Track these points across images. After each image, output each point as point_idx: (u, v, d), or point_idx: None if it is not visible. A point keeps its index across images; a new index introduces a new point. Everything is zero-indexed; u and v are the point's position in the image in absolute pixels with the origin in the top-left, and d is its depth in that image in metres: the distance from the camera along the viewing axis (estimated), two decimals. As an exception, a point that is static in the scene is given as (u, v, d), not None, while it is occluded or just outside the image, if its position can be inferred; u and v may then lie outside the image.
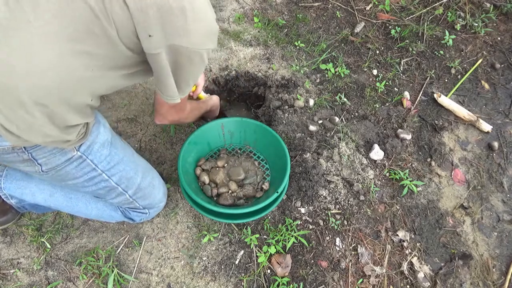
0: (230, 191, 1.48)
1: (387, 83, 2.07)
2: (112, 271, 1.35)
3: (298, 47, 2.11)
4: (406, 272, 1.50)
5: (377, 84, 2.04)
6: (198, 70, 1.01)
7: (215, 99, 1.60)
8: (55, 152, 1.01)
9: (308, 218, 1.54)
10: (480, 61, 2.25)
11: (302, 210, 1.55)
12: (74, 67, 0.85)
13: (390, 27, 2.28)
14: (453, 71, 2.19)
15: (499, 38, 2.37)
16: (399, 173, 1.71)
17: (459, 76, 2.19)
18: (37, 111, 0.86)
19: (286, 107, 1.84)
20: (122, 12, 0.81)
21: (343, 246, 1.51)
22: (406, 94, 2.03)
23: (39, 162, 1.01)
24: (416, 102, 2.03)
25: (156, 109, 1.23)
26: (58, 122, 0.92)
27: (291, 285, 1.39)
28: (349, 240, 1.53)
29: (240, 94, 1.99)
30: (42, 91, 0.84)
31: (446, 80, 2.16)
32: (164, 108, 1.18)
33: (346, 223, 1.56)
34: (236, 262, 1.43)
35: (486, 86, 2.19)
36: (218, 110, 1.66)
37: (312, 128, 1.77)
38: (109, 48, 0.86)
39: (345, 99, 1.94)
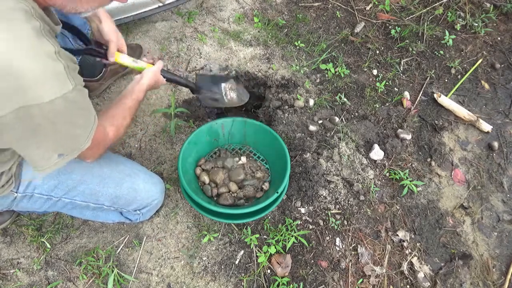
0: (230, 191, 1.48)
1: (387, 83, 2.07)
2: (112, 271, 1.35)
3: (298, 47, 2.11)
4: (406, 272, 1.50)
5: (377, 84, 2.04)
6: (67, 120, 0.83)
7: (150, 73, 1.31)
8: None
9: (308, 218, 1.54)
10: (480, 61, 2.25)
11: (302, 210, 1.55)
12: None
13: (390, 27, 2.28)
14: (453, 71, 2.19)
15: (499, 38, 2.37)
16: (399, 173, 1.71)
17: (459, 76, 2.19)
18: None
19: (286, 107, 1.84)
20: None
21: (343, 246, 1.51)
22: (406, 94, 2.03)
23: None
24: (416, 102, 2.03)
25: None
26: None
27: (291, 285, 1.39)
28: (349, 240, 1.53)
29: (240, 94, 1.99)
30: None
31: (446, 80, 2.16)
32: (86, 157, 1.04)
33: (346, 223, 1.56)
34: (236, 262, 1.43)
35: (486, 86, 2.19)
36: (160, 79, 1.38)
37: (312, 128, 1.77)
38: None
39: (345, 99, 1.94)
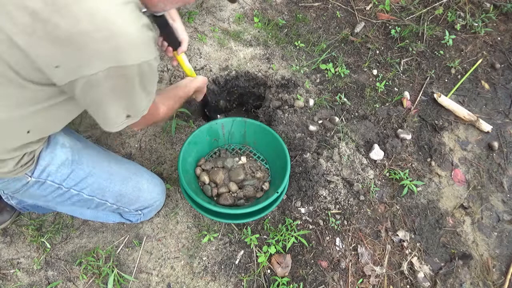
0: (230, 191, 1.48)
1: (387, 83, 2.07)
2: (112, 271, 1.35)
3: (298, 47, 2.11)
4: (406, 272, 1.50)
5: (377, 84, 2.04)
6: (142, 85, 0.91)
7: (200, 79, 1.49)
8: (8, 181, 1.01)
9: (308, 218, 1.54)
10: (480, 61, 2.25)
11: (302, 210, 1.55)
12: None
13: (390, 27, 2.28)
14: (453, 71, 2.19)
15: (499, 38, 2.37)
16: (399, 173, 1.71)
17: (459, 76, 2.19)
18: None
19: (286, 107, 1.84)
20: (11, 50, 0.76)
21: (343, 246, 1.51)
22: (406, 94, 2.03)
23: None
24: (416, 102, 2.03)
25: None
26: None
27: (291, 285, 1.39)
28: (349, 240, 1.53)
29: (240, 94, 1.99)
30: None
31: (446, 80, 2.16)
32: (136, 123, 1.09)
33: (346, 223, 1.56)
34: (236, 262, 1.43)
35: (486, 86, 2.19)
36: (205, 90, 1.55)
37: (312, 128, 1.77)
38: (20, 93, 0.83)
39: (345, 99, 1.94)
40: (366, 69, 2.10)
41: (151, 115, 1.09)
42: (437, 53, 2.23)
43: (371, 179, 1.69)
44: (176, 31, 1.32)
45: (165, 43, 1.34)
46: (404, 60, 2.18)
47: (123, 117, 0.95)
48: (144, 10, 0.92)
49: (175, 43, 1.34)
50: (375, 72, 2.10)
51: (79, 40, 0.75)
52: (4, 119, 0.87)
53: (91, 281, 1.35)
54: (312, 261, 1.46)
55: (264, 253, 1.43)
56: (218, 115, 1.83)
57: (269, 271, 1.42)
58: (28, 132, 0.93)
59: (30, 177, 1.04)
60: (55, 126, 1.02)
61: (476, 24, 2.35)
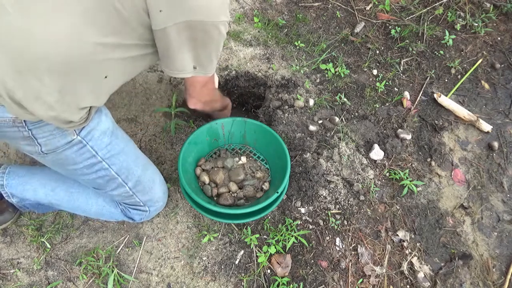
0: (230, 191, 1.48)
1: (387, 83, 2.07)
2: (112, 271, 1.35)
3: (298, 47, 2.11)
4: (406, 272, 1.50)
5: (377, 84, 2.04)
6: (217, 44, 1.03)
7: (229, 100, 1.65)
8: (55, 133, 1.01)
9: (308, 218, 1.54)
10: (480, 61, 2.25)
11: (302, 210, 1.55)
12: (86, 40, 0.88)
13: (390, 27, 2.28)
14: (453, 71, 2.19)
15: (499, 38, 2.37)
16: (399, 173, 1.71)
17: (459, 76, 2.19)
18: (47, 78, 0.88)
19: (286, 107, 1.84)
20: None
21: (343, 246, 1.51)
22: (406, 94, 2.03)
23: (39, 142, 1.01)
24: (416, 102, 2.03)
25: (189, 93, 1.27)
26: (66, 95, 0.93)
27: (291, 285, 1.39)
28: (349, 240, 1.53)
29: (240, 94, 1.99)
30: (56, 58, 0.86)
31: (446, 80, 2.16)
32: (196, 89, 1.22)
33: (346, 223, 1.56)
34: (236, 262, 1.43)
35: (486, 86, 2.19)
36: (228, 114, 1.71)
37: (312, 128, 1.77)
38: (119, 25, 0.90)
39: (345, 99, 1.94)
40: (366, 69, 2.10)
41: (211, 87, 1.26)
42: (437, 53, 2.23)
43: (371, 179, 1.69)
44: None
45: None
46: (404, 60, 2.18)
47: (191, 67, 1.06)
48: None
49: None
50: (375, 72, 2.10)
51: None
52: (105, 51, 0.92)
53: (91, 281, 1.35)
54: (312, 261, 1.46)
55: (264, 253, 1.43)
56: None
57: (269, 271, 1.42)
58: (106, 77, 0.98)
59: (77, 135, 1.05)
60: (123, 79, 1.08)
61: (476, 24, 2.35)
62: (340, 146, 1.74)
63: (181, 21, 0.91)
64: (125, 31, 0.92)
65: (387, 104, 1.99)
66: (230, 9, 1.03)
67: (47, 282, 1.34)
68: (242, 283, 1.39)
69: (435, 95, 2.04)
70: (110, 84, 1.04)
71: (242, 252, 1.45)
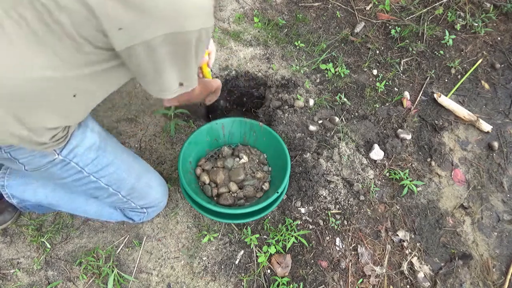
0: (230, 191, 1.48)
1: (387, 83, 2.07)
2: (112, 271, 1.35)
3: (298, 47, 2.11)
4: (406, 272, 1.50)
5: (377, 84, 2.04)
6: (196, 52, 0.92)
7: (218, 81, 1.51)
8: (35, 154, 0.99)
9: (308, 218, 1.54)
10: (480, 61, 2.25)
11: (302, 210, 1.55)
12: (32, 67, 0.81)
13: (390, 27, 2.28)
14: (453, 71, 2.19)
15: (499, 38, 2.37)
16: (399, 173, 1.71)
17: (459, 76, 2.19)
18: (0, 110, 0.84)
19: (286, 107, 1.84)
20: (80, 7, 0.75)
21: (343, 246, 1.51)
22: (406, 94, 2.03)
23: (21, 162, 1.00)
24: (416, 102, 2.03)
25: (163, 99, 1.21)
26: (24, 120, 0.88)
27: (291, 285, 1.39)
28: (349, 240, 1.53)
29: (240, 94, 1.99)
30: (2, 91, 0.82)
31: (446, 80, 2.16)
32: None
33: (346, 223, 1.56)
34: (236, 262, 1.43)
35: (486, 86, 2.19)
36: (219, 94, 1.58)
37: (312, 128, 1.77)
38: (71, 47, 0.81)
39: (345, 99, 1.94)
40: (366, 69, 2.10)
41: (192, 91, 1.12)
42: (437, 53, 2.23)
43: (371, 179, 1.69)
44: None
45: None
46: (404, 60, 2.18)
47: (176, 86, 0.97)
48: None
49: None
50: (375, 72, 2.10)
51: (145, 3, 0.76)
52: (56, 78, 0.84)
53: (91, 281, 1.35)
54: (312, 261, 1.46)
55: (264, 253, 1.43)
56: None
57: (269, 271, 1.42)
58: (74, 96, 0.91)
59: (58, 154, 1.03)
60: (99, 94, 1.00)
61: (476, 24, 2.35)
62: (340, 146, 1.74)
63: (149, 38, 0.79)
64: (84, 56, 0.84)
65: (387, 104, 1.99)
66: (213, 13, 0.88)
67: (47, 282, 1.34)
68: (242, 283, 1.39)
69: (435, 95, 2.04)
70: (85, 101, 0.97)
71: (242, 252, 1.45)
